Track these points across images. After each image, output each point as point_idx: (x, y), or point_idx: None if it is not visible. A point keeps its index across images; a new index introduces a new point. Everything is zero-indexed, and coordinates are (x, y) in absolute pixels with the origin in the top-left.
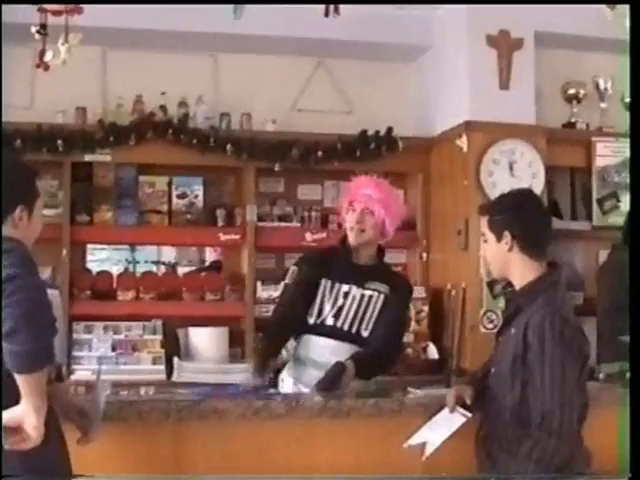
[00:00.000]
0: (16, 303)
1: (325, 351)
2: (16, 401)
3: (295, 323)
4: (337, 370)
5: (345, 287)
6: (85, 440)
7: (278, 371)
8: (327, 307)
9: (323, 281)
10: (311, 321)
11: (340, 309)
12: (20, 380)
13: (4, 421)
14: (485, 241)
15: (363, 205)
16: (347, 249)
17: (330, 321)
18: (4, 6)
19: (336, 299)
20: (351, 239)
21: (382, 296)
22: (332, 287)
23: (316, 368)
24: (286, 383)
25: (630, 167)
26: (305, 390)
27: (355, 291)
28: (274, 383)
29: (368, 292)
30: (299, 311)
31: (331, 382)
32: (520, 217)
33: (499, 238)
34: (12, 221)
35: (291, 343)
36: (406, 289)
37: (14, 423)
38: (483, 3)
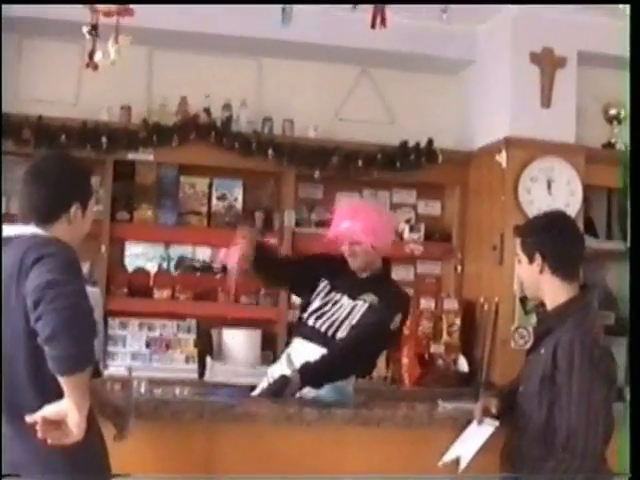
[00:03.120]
0: (55, 310)
1: (300, 352)
2: (60, 395)
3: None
4: (280, 383)
5: (337, 296)
6: (120, 437)
7: None
8: (314, 306)
9: (323, 282)
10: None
11: (323, 313)
12: (62, 381)
13: (47, 414)
14: (519, 262)
15: (348, 239)
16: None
17: (311, 321)
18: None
19: (325, 304)
20: (350, 264)
21: (367, 304)
22: (328, 292)
23: (288, 367)
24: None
25: (630, 175)
26: None
27: (345, 301)
28: None
29: (356, 302)
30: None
31: (274, 393)
32: (550, 239)
33: (531, 260)
34: (67, 218)
35: None
36: (394, 299)
37: (57, 417)
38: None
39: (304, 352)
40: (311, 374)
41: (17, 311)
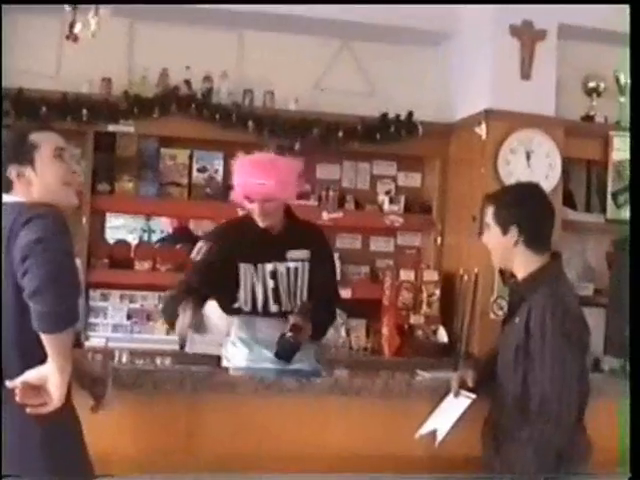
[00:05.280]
0: (42, 265)
1: (272, 330)
2: (41, 362)
3: (202, 300)
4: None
5: (269, 266)
6: (97, 407)
7: None
8: (259, 292)
9: (243, 266)
10: (246, 308)
11: (276, 292)
12: (45, 340)
13: (29, 379)
14: (488, 230)
15: (261, 197)
16: (256, 224)
17: (274, 308)
18: None
19: (265, 282)
20: (259, 222)
21: (306, 264)
22: (256, 270)
23: (266, 347)
24: (236, 360)
25: (630, 167)
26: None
27: (280, 267)
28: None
29: (292, 264)
30: (210, 290)
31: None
32: (527, 212)
33: (505, 231)
34: (20, 182)
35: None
36: (325, 247)
37: (38, 381)
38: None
39: (275, 328)
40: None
41: (7, 274)
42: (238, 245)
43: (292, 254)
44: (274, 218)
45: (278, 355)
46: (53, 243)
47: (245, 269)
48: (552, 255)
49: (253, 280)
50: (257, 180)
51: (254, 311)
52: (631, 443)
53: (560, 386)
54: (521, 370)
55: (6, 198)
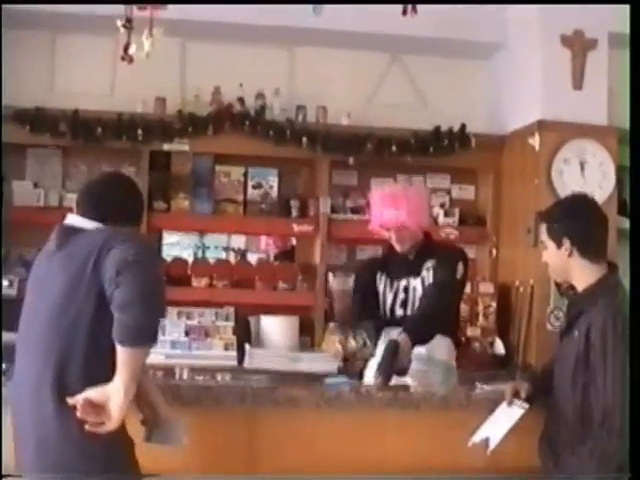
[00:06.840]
0: (137, 279)
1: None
2: (104, 382)
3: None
4: (391, 348)
5: (404, 282)
6: (147, 437)
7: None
8: (389, 299)
9: (379, 275)
10: (379, 312)
11: (405, 301)
12: (121, 354)
13: (91, 396)
14: (545, 248)
15: (394, 225)
16: (397, 251)
17: (399, 312)
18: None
19: (396, 294)
20: (396, 247)
21: (431, 270)
22: (392, 284)
23: None
24: (368, 374)
25: (630, 168)
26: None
27: (413, 282)
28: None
29: (422, 275)
30: (371, 308)
31: (389, 362)
32: (577, 223)
33: (559, 245)
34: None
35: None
36: (451, 255)
37: (101, 397)
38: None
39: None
40: (413, 329)
41: (90, 287)
42: (379, 266)
43: (424, 266)
44: (410, 243)
45: (379, 371)
46: (149, 263)
47: (381, 278)
48: (609, 266)
49: (386, 289)
50: (390, 211)
51: (384, 318)
52: (631, 443)
53: (623, 398)
54: (581, 382)
55: (92, 224)
